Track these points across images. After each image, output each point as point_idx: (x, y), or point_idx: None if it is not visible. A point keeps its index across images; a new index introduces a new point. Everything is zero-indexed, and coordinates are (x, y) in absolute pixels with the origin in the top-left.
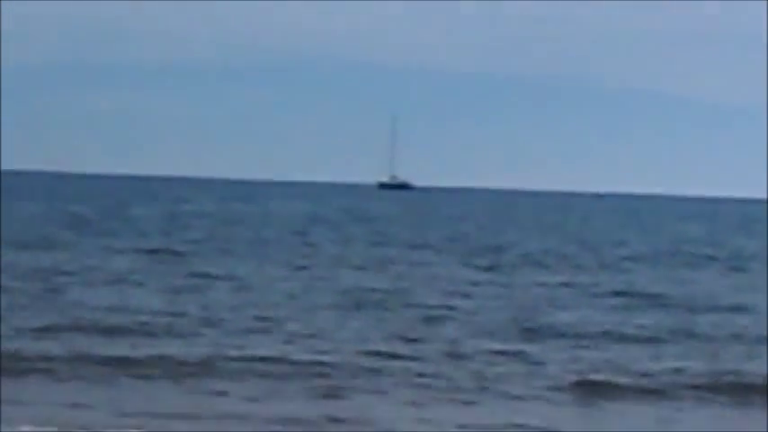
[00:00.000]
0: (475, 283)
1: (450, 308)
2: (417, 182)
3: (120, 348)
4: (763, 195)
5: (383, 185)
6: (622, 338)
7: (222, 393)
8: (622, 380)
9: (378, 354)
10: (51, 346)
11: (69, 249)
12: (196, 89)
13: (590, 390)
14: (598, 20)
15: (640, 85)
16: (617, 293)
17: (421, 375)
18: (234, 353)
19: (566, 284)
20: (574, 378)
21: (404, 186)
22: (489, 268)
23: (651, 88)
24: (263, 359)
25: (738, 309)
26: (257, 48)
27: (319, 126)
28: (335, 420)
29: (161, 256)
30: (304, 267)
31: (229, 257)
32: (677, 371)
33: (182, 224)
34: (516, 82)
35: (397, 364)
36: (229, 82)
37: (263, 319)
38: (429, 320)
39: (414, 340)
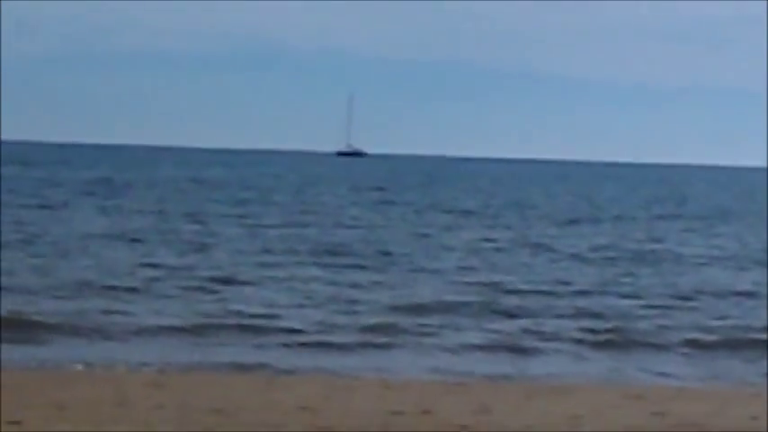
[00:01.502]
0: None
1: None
2: (370, 150)
3: None
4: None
5: (341, 153)
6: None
7: None
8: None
9: None
10: None
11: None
12: (173, 73)
13: None
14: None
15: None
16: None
17: None
18: None
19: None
20: None
21: (358, 154)
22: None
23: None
24: None
25: None
26: (229, 38)
27: (287, 104)
28: None
29: None
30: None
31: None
32: None
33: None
34: (449, 67)
35: None
36: (202, 67)
37: None
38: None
39: None
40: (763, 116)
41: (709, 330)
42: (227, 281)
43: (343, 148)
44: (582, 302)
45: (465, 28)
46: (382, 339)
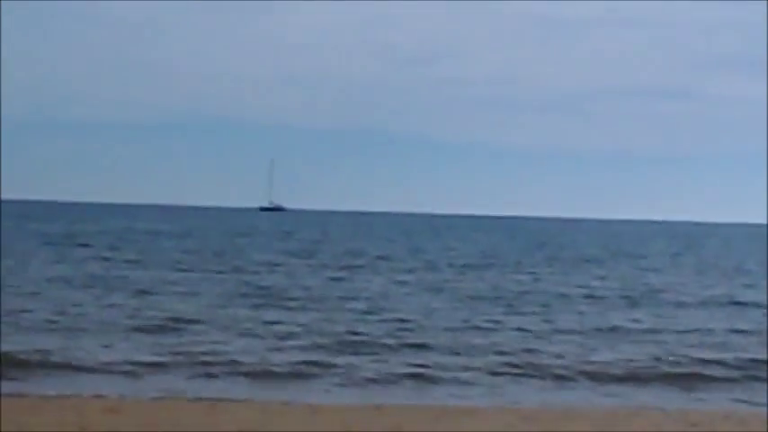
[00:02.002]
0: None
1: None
2: (289, 205)
3: None
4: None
5: (263, 209)
6: None
7: None
8: None
9: None
10: None
11: None
12: (119, 139)
13: None
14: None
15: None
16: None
17: None
18: None
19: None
20: None
21: (279, 209)
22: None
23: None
24: None
25: None
26: (168, 110)
27: (217, 167)
28: None
29: None
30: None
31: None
32: None
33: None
34: (356, 134)
35: None
36: (144, 134)
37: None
38: None
39: None
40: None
41: (590, 362)
42: (175, 320)
43: (265, 204)
44: (481, 338)
45: (367, 100)
46: (310, 370)
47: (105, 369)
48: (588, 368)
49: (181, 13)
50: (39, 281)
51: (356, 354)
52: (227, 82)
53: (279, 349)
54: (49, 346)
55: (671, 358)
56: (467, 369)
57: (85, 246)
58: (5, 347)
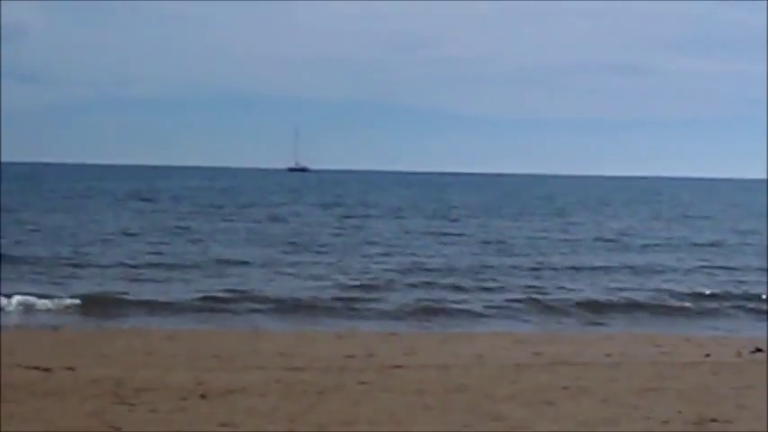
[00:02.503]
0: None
1: None
2: (313, 167)
3: None
4: None
5: (291, 169)
6: None
7: None
8: None
9: None
10: None
11: None
12: (168, 112)
13: None
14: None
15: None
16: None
17: None
18: None
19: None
20: None
21: (304, 169)
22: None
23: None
24: None
25: None
26: (210, 86)
27: (252, 135)
28: None
29: None
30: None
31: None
32: None
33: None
34: (368, 105)
35: None
36: (189, 107)
37: None
38: None
39: None
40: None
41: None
42: (225, 262)
43: (292, 165)
44: (483, 276)
45: (376, 78)
46: (335, 305)
47: (167, 306)
48: (578, 300)
49: (223, 6)
50: (113, 231)
51: (375, 290)
52: (261, 62)
53: (309, 287)
54: (123, 288)
55: (647, 293)
56: (469, 302)
57: (148, 200)
58: (89, 289)
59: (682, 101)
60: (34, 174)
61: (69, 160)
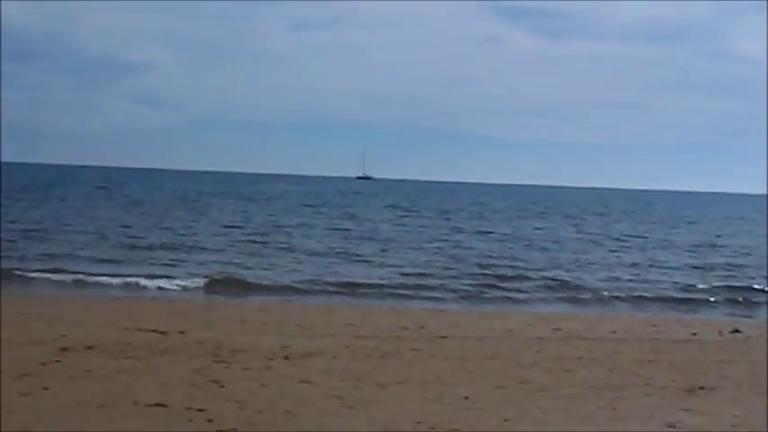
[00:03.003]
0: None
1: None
2: (377, 176)
3: None
4: None
5: (359, 177)
6: None
7: None
8: None
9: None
10: None
11: None
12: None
13: None
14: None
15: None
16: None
17: None
18: None
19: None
20: None
21: (369, 178)
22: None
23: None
24: None
25: None
26: (296, 112)
27: (332, 152)
28: None
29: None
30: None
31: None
32: None
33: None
34: (423, 128)
35: None
36: (278, 130)
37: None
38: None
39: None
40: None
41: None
42: (309, 251)
43: (360, 174)
44: (516, 266)
45: (424, 106)
46: (396, 291)
47: (264, 286)
48: (597, 287)
49: (308, 48)
50: (224, 223)
51: (427, 277)
52: (338, 93)
53: (374, 272)
54: (229, 270)
55: (645, 284)
56: (503, 288)
57: (252, 200)
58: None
59: (669, 130)
60: (158, 178)
61: (186, 167)
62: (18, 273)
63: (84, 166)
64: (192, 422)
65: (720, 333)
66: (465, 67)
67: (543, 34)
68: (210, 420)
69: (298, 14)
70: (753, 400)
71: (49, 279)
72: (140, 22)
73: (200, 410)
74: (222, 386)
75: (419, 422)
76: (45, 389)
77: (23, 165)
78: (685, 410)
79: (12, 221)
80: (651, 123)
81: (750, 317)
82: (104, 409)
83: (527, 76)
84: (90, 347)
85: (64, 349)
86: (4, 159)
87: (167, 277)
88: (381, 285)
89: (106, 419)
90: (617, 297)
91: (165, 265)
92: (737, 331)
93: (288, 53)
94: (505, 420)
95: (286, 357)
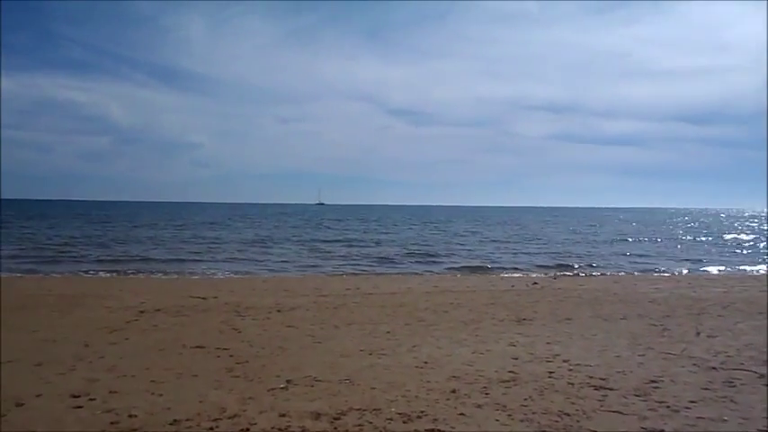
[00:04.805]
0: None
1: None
2: (329, 202)
3: None
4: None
5: (317, 204)
6: None
7: None
8: None
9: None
10: None
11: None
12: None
13: None
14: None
15: None
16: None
17: None
18: None
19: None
20: None
21: (323, 204)
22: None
23: None
24: None
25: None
26: (274, 166)
27: (300, 189)
28: None
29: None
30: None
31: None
32: None
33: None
34: (353, 176)
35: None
36: (264, 177)
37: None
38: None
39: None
40: None
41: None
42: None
43: (317, 201)
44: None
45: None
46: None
47: (271, 262)
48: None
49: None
50: (237, 235)
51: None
52: (301, 157)
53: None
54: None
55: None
56: (403, 263)
57: (249, 218)
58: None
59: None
60: (205, 208)
61: (219, 201)
62: (118, 263)
63: (163, 203)
64: (220, 358)
65: (527, 285)
66: (373, 141)
67: (413, 123)
68: (231, 356)
69: (280, 113)
70: (554, 325)
71: (137, 268)
72: (194, 119)
73: (224, 349)
74: (239, 332)
75: (361, 350)
76: (126, 339)
77: (131, 203)
78: (518, 334)
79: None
80: (474, 172)
81: (542, 275)
82: (163, 351)
83: (405, 146)
84: (158, 310)
85: (142, 312)
86: (131, 199)
87: (210, 261)
88: (331, 262)
89: (164, 358)
90: (469, 267)
91: (205, 260)
92: (536, 283)
93: (276, 135)
94: (414, 346)
95: (279, 311)
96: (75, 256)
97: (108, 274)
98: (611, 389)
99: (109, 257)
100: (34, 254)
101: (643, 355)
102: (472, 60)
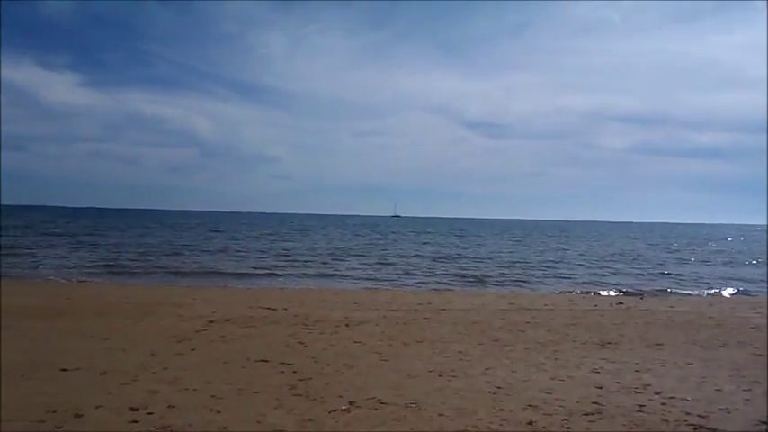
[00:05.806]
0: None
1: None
2: (404, 214)
3: None
4: None
5: (393, 216)
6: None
7: None
8: None
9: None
10: None
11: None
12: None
13: None
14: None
15: None
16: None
17: None
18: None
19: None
20: None
21: (399, 216)
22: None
23: None
24: None
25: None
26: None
27: (374, 202)
28: None
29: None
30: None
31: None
32: None
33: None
34: (430, 189)
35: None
36: (342, 190)
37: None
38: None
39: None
40: None
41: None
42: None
43: (393, 213)
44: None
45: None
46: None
47: (344, 274)
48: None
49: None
50: (314, 245)
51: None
52: (378, 170)
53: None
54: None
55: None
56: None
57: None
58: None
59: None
60: (285, 218)
61: (297, 212)
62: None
63: (243, 212)
64: (283, 374)
65: (611, 304)
66: (449, 153)
67: (490, 135)
68: (295, 372)
69: (356, 127)
70: (643, 351)
71: (210, 279)
72: (273, 133)
73: (289, 364)
74: (305, 345)
75: (431, 370)
76: (192, 350)
77: (207, 212)
78: (602, 359)
79: (204, 250)
80: (553, 185)
81: (629, 295)
82: (227, 364)
83: (482, 158)
84: (227, 320)
85: (211, 321)
86: (213, 209)
87: (278, 275)
88: (405, 277)
89: (227, 371)
90: (543, 282)
91: (278, 271)
92: (621, 303)
93: (352, 148)
94: (487, 369)
95: (347, 325)
96: (157, 266)
97: (185, 283)
98: (714, 429)
99: (196, 268)
100: (120, 261)
101: (749, 390)
102: (551, 72)
